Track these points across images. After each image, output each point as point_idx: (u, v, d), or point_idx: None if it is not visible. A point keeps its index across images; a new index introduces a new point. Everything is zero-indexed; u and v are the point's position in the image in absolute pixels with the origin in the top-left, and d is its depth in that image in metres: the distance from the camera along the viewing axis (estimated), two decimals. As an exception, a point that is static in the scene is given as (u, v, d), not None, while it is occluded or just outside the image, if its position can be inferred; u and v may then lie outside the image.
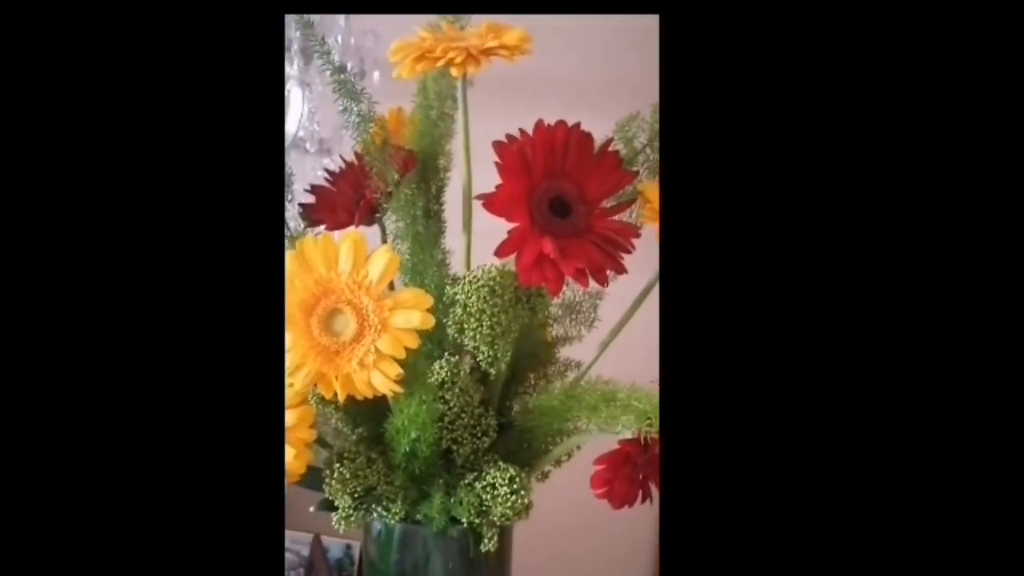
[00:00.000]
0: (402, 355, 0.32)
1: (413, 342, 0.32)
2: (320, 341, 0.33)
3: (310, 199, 0.45)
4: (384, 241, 0.44)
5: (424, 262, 0.42)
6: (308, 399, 0.37)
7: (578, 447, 0.43)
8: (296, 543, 0.59)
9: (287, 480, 0.37)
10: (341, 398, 0.34)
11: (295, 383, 0.33)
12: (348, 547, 0.59)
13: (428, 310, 0.33)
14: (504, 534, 0.46)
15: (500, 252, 0.33)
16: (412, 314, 0.32)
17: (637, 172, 0.37)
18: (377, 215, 0.41)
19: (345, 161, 0.46)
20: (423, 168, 0.44)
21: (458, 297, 0.37)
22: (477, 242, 0.45)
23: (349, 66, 0.63)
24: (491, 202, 0.33)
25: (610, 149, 0.36)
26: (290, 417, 0.36)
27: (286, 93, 0.57)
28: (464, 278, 0.38)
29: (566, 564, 0.95)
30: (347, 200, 0.45)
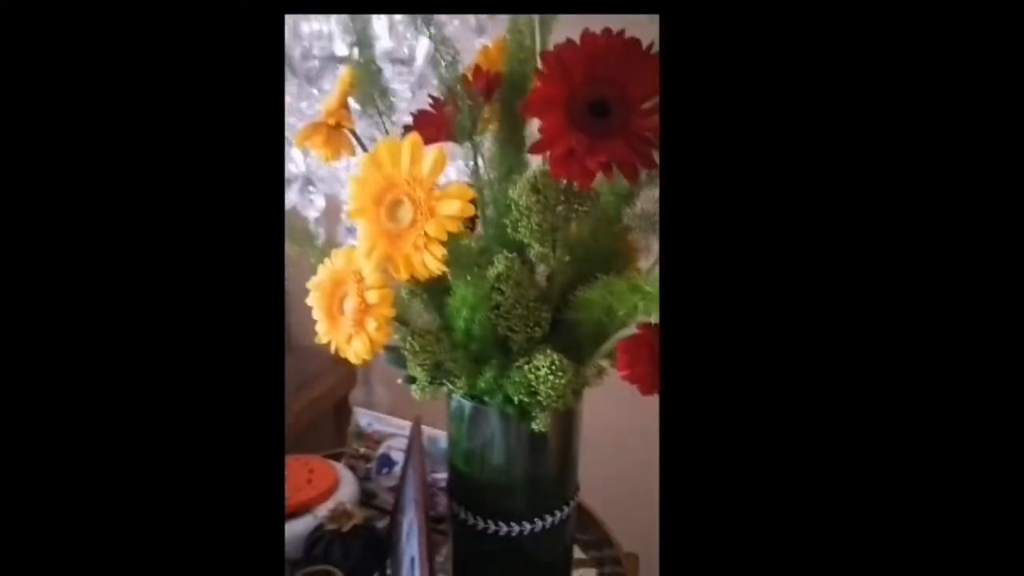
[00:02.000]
0: (444, 237, 0.38)
1: (455, 227, 0.38)
2: (386, 227, 0.39)
3: (411, 121, 0.52)
4: (475, 157, 0.50)
5: (502, 171, 0.47)
6: (392, 285, 0.44)
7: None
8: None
9: (373, 349, 0.44)
10: (404, 277, 0.40)
11: (370, 263, 0.41)
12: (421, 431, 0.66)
13: (470, 200, 0.38)
14: (568, 424, 0.50)
15: (532, 149, 0.37)
16: (454, 203, 0.38)
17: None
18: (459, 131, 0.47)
19: (448, 88, 0.52)
20: (509, 89, 0.49)
21: (512, 197, 0.41)
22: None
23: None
24: (525, 105, 0.37)
25: (652, 52, 0.38)
26: (375, 296, 0.44)
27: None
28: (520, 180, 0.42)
29: (629, 458, 0.95)
30: (442, 121, 0.51)
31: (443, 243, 0.38)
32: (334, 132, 0.50)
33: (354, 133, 0.51)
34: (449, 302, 0.43)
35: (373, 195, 0.39)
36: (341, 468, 0.68)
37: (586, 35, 0.38)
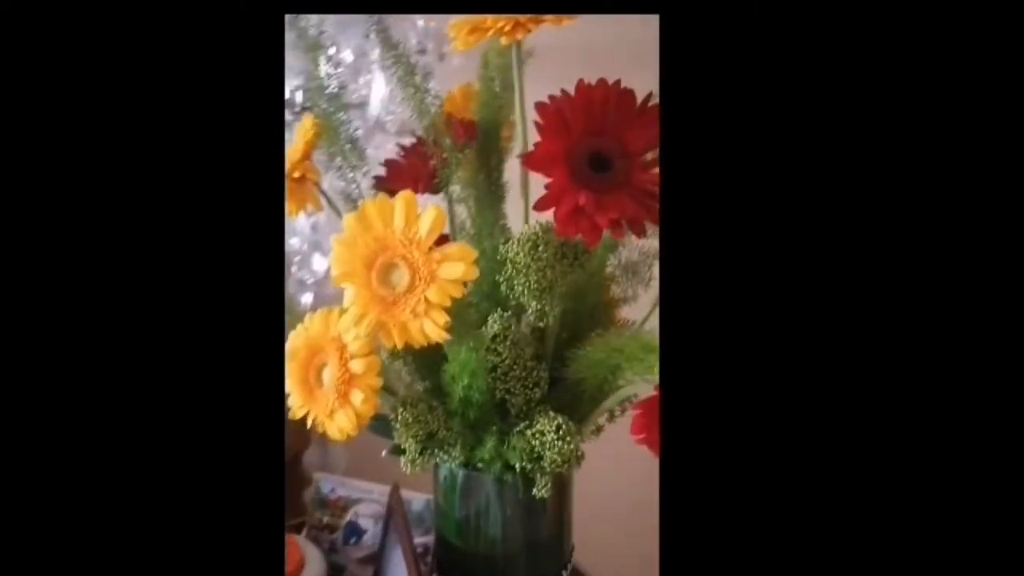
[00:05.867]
0: (447, 303, 0.35)
1: (458, 291, 0.35)
2: (379, 293, 0.36)
3: (382, 172, 0.49)
4: (450, 206, 0.48)
5: (485, 224, 0.45)
6: (377, 351, 0.41)
7: (630, 400, 0.44)
8: (383, 495, 0.64)
9: (359, 424, 0.41)
10: (399, 346, 0.37)
11: (359, 332, 0.37)
12: (429, 501, 0.63)
13: (473, 262, 0.35)
14: (563, 486, 0.48)
15: (538, 206, 0.35)
16: (457, 266, 0.35)
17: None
18: (437, 182, 0.44)
19: (416, 136, 0.49)
20: (484, 138, 0.47)
21: (507, 254, 0.39)
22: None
23: (429, 47, 0.67)
24: (529, 158, 0.35)
25: (651, 104, 0.37)
26: (360, 365, 0.40)
27: (369, 77, 0.61)
28: (513, 237, 0.40)
29: (626, 518, 0.95)
30: (416, 171, 0.49)
31: (445, 309, 0.35)
32: (297, 185, 0.47)
33: (318, 186, 0.48)
34: (447, 369, 0.40)
35: (363, 258, 0.36)
36: (304, 543, 0.63)
37: (581, 86, 0.37)
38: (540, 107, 0.36)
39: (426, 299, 0.35)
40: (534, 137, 0.44)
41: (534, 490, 0.42)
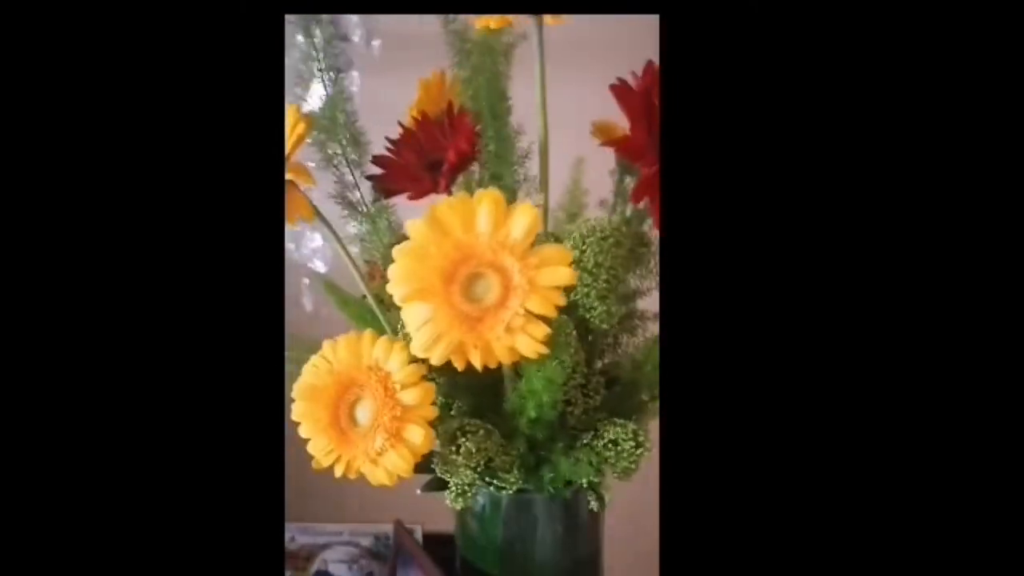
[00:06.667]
0: (553, 314, 0.31)
1: (562, 300, 0.31)
2: (462, 309, 0.31)
3: (376, 170, 0.43)
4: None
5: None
6: (425, 377, 0.35)
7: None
8: (355, 535, 0.57)
9: (413, 461, 0.35)
10: (479, 368, 0.32)
11: (433, 357, 0.32)
12: (410, 531, 0.57)
13: (571, 265, 0.32)
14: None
15: (634, 196, 0.33)
16: (559, 270, 0.31)
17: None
18: (470, 175, 0.39)
19: (404, 127, 0.44)
20: (493, 126, 0.43)
21: (576, 253, 0.36)
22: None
23: (357, 37, 0.60)
24: (623, 146, 0.32)
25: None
26: (412, 396, 0.35)
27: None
28: (575, 233, 0.37)
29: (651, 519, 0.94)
30: (415, 166, 0.43)
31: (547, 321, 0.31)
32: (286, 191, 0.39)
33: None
34: (519, 386, 0.36)
35: (441, 270, 0.31)
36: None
37: (651, 68, 0.35)
38: (619, 91, 0.33)
39: (525, 311, 0.31)
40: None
41: (604, 503, 0.40)
